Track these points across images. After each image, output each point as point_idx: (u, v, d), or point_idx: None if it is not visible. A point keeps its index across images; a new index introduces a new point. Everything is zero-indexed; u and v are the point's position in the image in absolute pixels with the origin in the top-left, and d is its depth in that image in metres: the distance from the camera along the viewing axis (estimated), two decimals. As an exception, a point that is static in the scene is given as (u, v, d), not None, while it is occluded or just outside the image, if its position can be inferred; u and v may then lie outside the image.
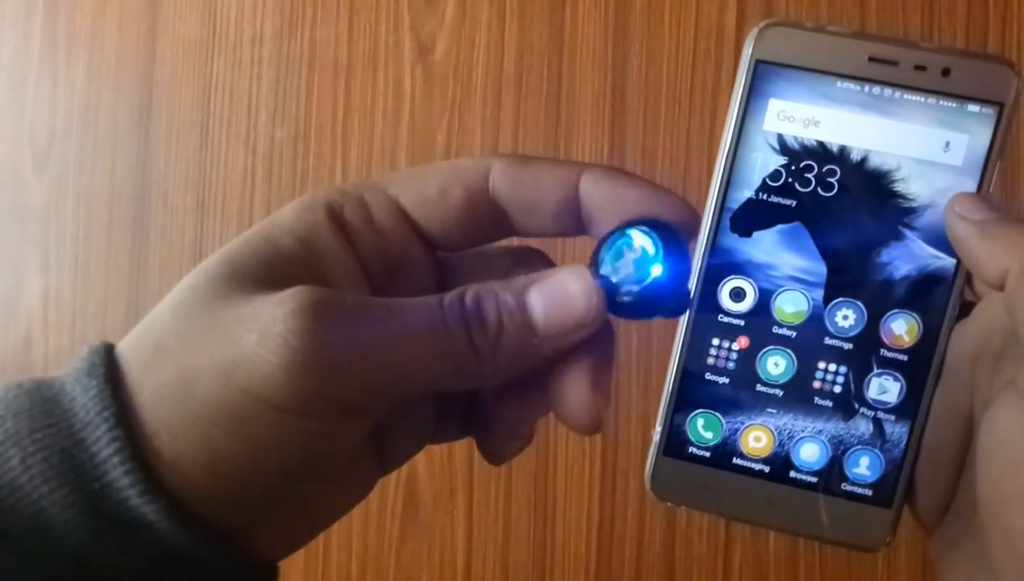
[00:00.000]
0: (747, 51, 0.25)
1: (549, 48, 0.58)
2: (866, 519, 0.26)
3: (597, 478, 0.58)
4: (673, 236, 0.22)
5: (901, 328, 0.25)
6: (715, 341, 0.26)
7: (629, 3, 0.58)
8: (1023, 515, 0.21)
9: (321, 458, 0.21)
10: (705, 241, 0.25)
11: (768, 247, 0.25)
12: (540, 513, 0.58)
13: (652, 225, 0.22)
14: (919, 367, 0.25)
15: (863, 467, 0.26)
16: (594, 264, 0.22)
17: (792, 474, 0.26)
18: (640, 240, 0.22)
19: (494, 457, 0.25)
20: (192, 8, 0.62)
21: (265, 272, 0.21)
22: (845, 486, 0.26)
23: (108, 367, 0.21)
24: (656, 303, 0.22)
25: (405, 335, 0.20)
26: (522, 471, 0.58)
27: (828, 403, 0.26)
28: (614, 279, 0.22)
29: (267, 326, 0.19)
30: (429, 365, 0.21)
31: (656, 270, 0.21)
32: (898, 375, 0.25)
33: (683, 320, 0.26)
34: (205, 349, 0.20)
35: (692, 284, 0.26)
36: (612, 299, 0.22)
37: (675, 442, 0.26)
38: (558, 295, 0.21)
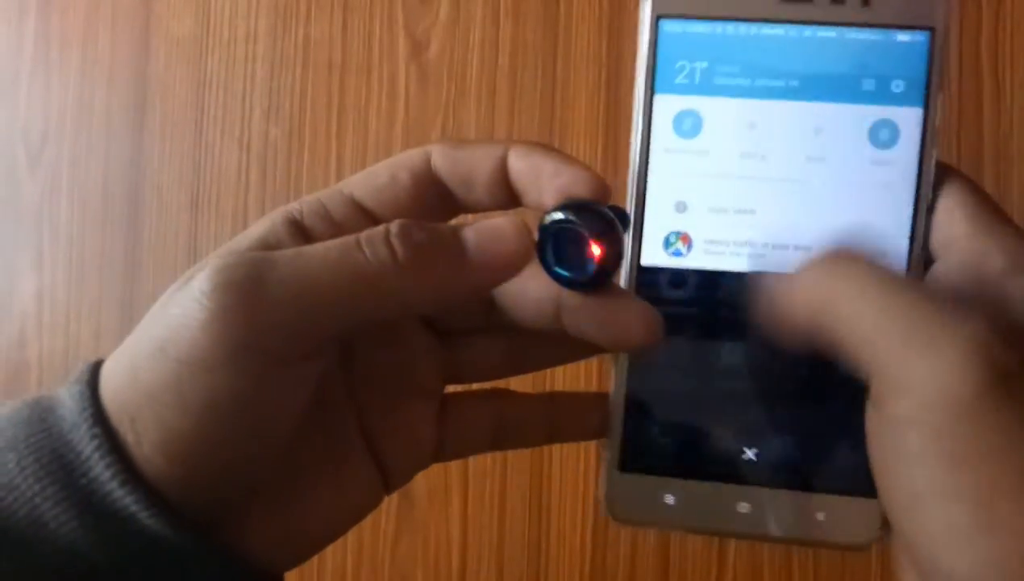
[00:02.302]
0: (646, 8, 0.24)
1: (544, 46, 0.58)
2: (852, 513, 0.24)
3: (592, 474, 0.58)
4: (589, 211, 0.23)
5: None
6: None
7: (623, 1, 0.58)
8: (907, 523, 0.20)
9: (261, 419, 0.22)
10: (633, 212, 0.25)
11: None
12: (535, 509, 0.58)
13: (569, 208, 0.23)
14: None
15: (842, 455, 0.24)
16: (540, 255, 0.23)
17: (764, 473, 0.24)
18: (566, 225, 0.23)
19: None
20: (185, 5, 0.62)
21: None
22: (824, 479, 0.24)
23: (91, 373, 0.22)
24: (600, 274, 0.23)
25: (314, 269, 0.21)
26: (517, 468, 0.58)
27: (795, 390, 0.24)
28: (559, 265, 0.23)
29: (187, 297, 0.21)
30: (341, 290, 0.21)
31: (588, 249, 0.23)
32: None
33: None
34: (145, 333, 0.22)
35: (626, 242, 0.25)
36: (565, 279, 0.23)
37: (630, 454, 0.24)
38: (492, 231, 0.23)
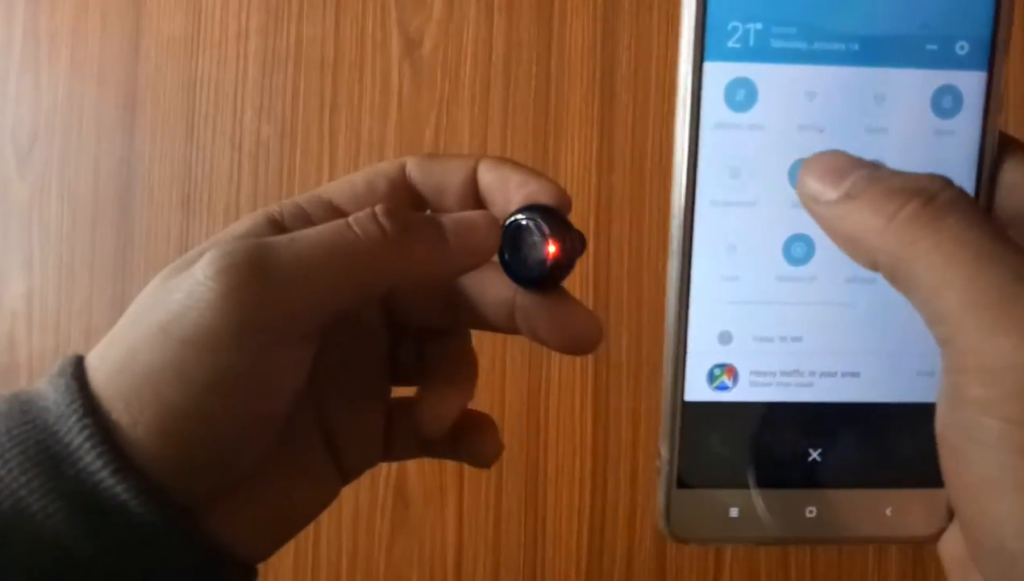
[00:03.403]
0: None
1: (537, 43, 0.58)
2: (920, 505, 0.23)
3: (588, 475, 0.58)
4: (550, 214, 0.25)
5: None
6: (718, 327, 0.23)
7: (617, -2, 0.58)
8: (972, 509, 0.19)
9: (259, 398, 0.22)
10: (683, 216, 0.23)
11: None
12: (531, 510, 0.58)
13: (532, 209, 0.25)
14: None
15: (908, 446, 0.23)
16: (499, 252, 0.25)
17: (830, 473, 0.23)
18: (527, 224, 0.25)
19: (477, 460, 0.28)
20: (176, 3, 0.61)
21: None
22: (891, 473, 0.23)
23: (76, 366, 0.22)
24: (553, 272, 0.25)
25: (310, 250, 0.22)
26: (513, 468, 0.58)
27: (861, 380, 0.23)
28: (515, 263, 0.25)
29: (191, 281, 0.21)
30: (337, 267, 0.22)
31: (545, 247, 0.25)
32: None
33: (672, 302, 0.23)
34: (144, 319, 0.22)
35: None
36: (520, 275, 0.25)
37: (689, 469, 0.23)
38: (466, 219, 0.25)
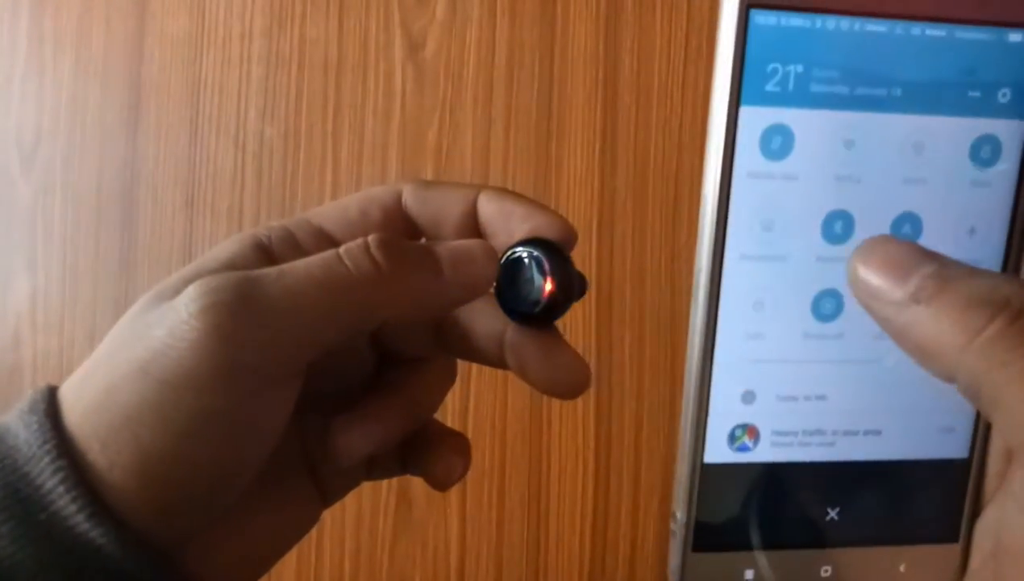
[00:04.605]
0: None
1: (540, 45, 0.58)
2: (933, 561, 0.23)
3: (591, 476, 0.58)
4: (553, 250, 0.24)
5: None
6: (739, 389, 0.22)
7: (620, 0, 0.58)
8: None
9: (243, 439, 0.21)
10: (708, 278, 0.22)
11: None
12: (533, 511, 0.58)
13: (535, 243, 0.24)
14: None
15: (922, 505, 0.23)
16: (495, 285, 0.24)
17: (846, 533, 0.23)
18: (527, 258, 0.24)
19: (436, 484, 0.27)
20: (180, 4, 0.61)
21: (185, 287, 0.22)
22: (905, 531, 0.23)
23: (48, 402, 0.21)
24: (548, 310, 0.24)
25: (300, 286, 0.21)
26: (516, 469, 0.58)
27: (883, 437, 0.23)
28: (511, 296, 0.24)
29: (173, 318, 0.20)
30: (327, 305, 0.21)
31: (544, 283, 0.24)
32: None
33: (694, 361, 0.22)
34: (123, 355, 0.21)
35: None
36: (514, 310, 0.24)
37: (705, 532, 0.22)
38: (463, 250, 0.23)
